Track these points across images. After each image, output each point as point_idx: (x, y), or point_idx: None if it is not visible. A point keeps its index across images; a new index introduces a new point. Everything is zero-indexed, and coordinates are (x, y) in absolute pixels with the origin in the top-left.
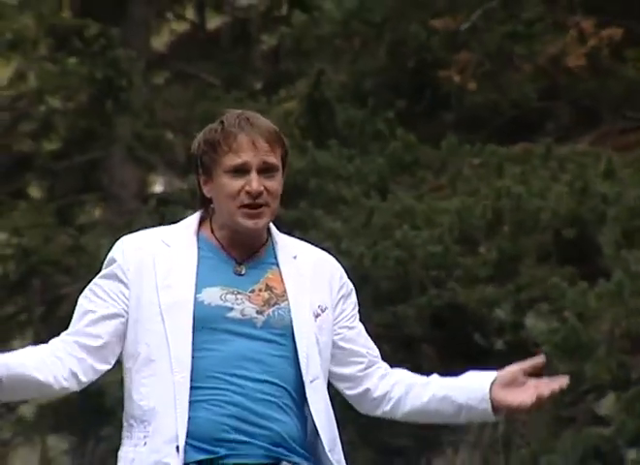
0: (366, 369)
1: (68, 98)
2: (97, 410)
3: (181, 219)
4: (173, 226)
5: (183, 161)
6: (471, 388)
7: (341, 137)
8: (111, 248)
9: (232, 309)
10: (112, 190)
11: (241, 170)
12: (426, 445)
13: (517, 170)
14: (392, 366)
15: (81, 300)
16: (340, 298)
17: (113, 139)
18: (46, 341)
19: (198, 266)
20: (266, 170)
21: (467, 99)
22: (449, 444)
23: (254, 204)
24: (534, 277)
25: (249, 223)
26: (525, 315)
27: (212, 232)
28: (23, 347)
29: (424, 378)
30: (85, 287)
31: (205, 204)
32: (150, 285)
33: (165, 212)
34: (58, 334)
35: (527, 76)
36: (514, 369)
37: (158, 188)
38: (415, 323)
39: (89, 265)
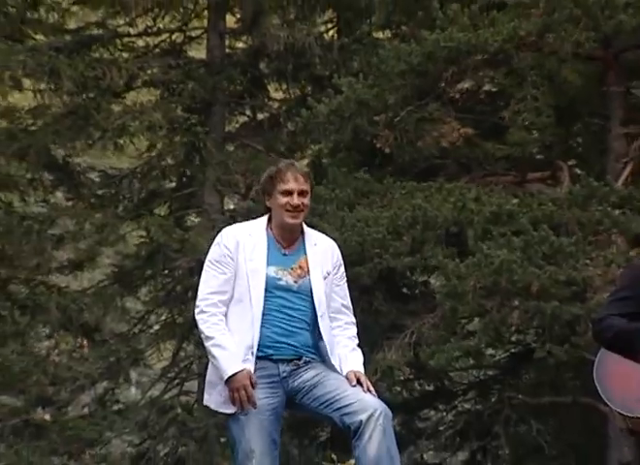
0: (337, 312)
1: (176, 158)
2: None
3: (251, 217)
4: (252, 222)
5: (244, 192)
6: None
7: (329, 180)
8: (214, 236)
9: (280, 279)
10: (204, 207)
11: (288, 193)
12: (372, 346)
13: (424, 196)
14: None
15: (210, 270)
16: (334, 268)
17: (205, 180)
18: (165, 290)
19: (268, 250)
20: (301, 193)
21: (399, 156)
22: (386, 346)
23: (294, 211)
24: (434, 254)
25: (291, 220)
26: (430, 276)
27: (272, 229)
28: (150, 295)
29: (345, 348)
30: (191, 259)
31: (267, 212)
32: (242, 257)
33: (234, 220)
34: (173, 286)
35: (431, 142)
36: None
37: (230, 206)
38: (367, 278)
39: (191, 249)
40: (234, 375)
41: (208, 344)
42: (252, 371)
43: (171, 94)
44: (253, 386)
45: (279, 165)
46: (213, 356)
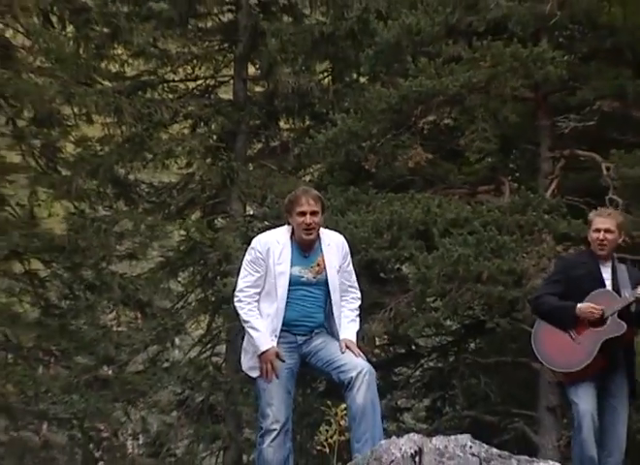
0: (345, 291)
1: (209, 174)
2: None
3: (266, 220)
4: (279, 231)
5: (260, 201)
6: (340, 333)
7: (327, 192)
8: (240, 234)
9: (302, 277)
10: (230, 213)
11: (302, 213)
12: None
13: (399, 204)
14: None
15: (246, 268)
16: (344, 258)
17: (231, 192)
18: (200, 275)
19: (292, 254)
20: (313, 213)
21: (380, 173)
22: (370, 320)
23: (308, 228)
24: (407, 248)
25: (306, 237)
26: (403, 265)
27: (294, 236)
28: (188, 279)
29: (346, 319)
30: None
31: (289, 224)
32: (271, 260)
33: (253, 223)
34: (206, 273)
35: (403, 164)
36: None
37: (250, 212)
38: (355, 267)
39: (220, 245)
40: (265, 351)
41: (245, 326)
42: (276, 347)
43: (205, 126)
44: (281, 359)
45: (297, 191)
46: (250, 336)
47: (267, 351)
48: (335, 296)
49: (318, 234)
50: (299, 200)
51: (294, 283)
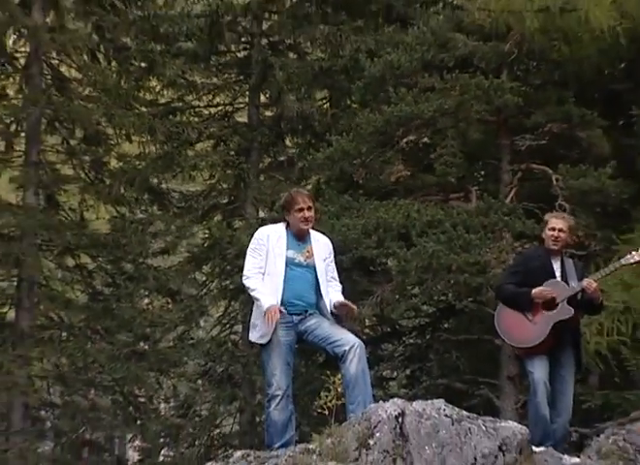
0: (329, 280)
1: (228, 184)
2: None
3: (275, 222)
4: (276, 225)
5: (270, 206)
6: (333, 301)
7: (325, 199)
8: (253, 233)
9: (295, 259)
10: (245, 216)
11: (301, 210)
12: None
13: (384, 210)
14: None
15: (251, 254)
16: (330, 253)
17: (246, 198)
18: (220, 268)
19: (287, 241)
20: (309, 208)
21: (368, 185)
22: (361, 305)
23: (307, 220)
24: (391, 246)
25: (305, 227)
26: (388, 260)
27: (290, 228)
28: (210, 271)
29: (334, 293)
30: (248, 247)
31: (285, 220)
32: (271, 245)
33: (264, 222)
34: (225, 266)
35: (388, 177)
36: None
37: (262, 215)
38: (348, 263)
39: (237, 242)
40: (270, 306)
41: (253, 293)
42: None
43: (224, 144)
44: (280, 312)
45: (292, 193)
46: (257, 299)
47: (271, 305)
48: (322, 278)
49: (308, 231)
50: (296, 199)
51: (289, 263)
